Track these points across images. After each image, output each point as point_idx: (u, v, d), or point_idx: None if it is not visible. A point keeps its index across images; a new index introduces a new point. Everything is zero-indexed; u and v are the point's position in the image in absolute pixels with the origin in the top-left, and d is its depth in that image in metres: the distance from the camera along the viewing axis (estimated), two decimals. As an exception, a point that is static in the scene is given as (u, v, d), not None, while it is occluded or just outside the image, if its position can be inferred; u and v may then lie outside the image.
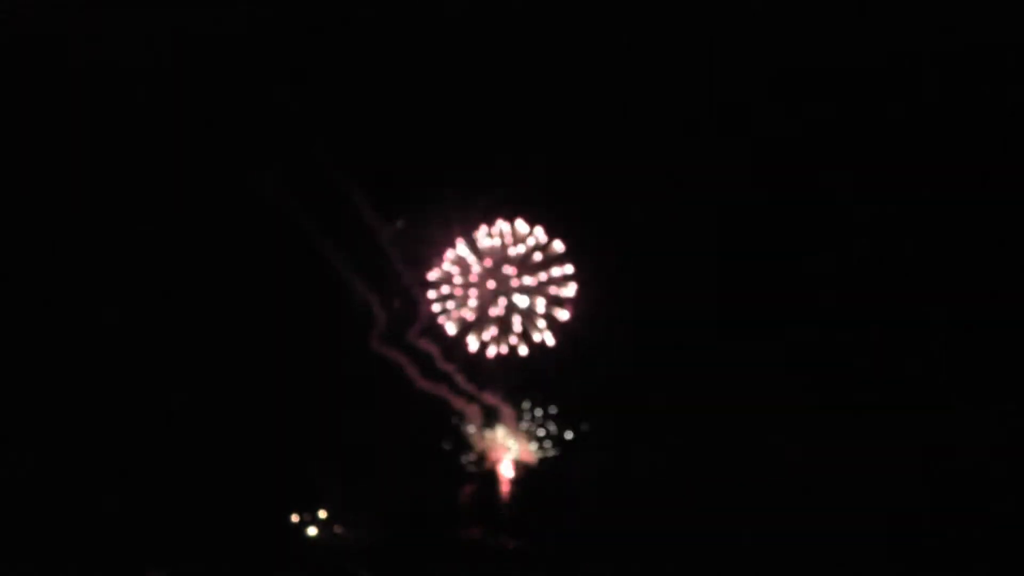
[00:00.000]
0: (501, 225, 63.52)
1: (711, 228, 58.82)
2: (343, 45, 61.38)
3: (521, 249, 63.09)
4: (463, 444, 65.34)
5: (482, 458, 64.49)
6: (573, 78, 60.45)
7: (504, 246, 63.88)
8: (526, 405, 65.16)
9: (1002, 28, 49.97)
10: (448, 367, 64.28)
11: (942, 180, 53.81)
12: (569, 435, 63.72)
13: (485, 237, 63.82)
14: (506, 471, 63.86)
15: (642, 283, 60.50)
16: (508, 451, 64.71)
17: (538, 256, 63.25)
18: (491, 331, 62.77)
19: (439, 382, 64.20)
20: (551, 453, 63.94)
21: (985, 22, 49.61)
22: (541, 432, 64.83)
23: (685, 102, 59.26)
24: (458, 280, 63.81)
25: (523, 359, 63.76)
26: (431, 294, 63.19)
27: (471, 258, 63.80)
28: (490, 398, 64.56)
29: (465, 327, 63.55)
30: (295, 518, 64.20)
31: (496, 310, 62.65)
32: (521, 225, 63.92)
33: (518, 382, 64.71)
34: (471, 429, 65.23)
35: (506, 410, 65.10)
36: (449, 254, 63.43)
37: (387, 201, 63.12)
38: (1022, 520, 46.06)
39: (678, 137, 59.13)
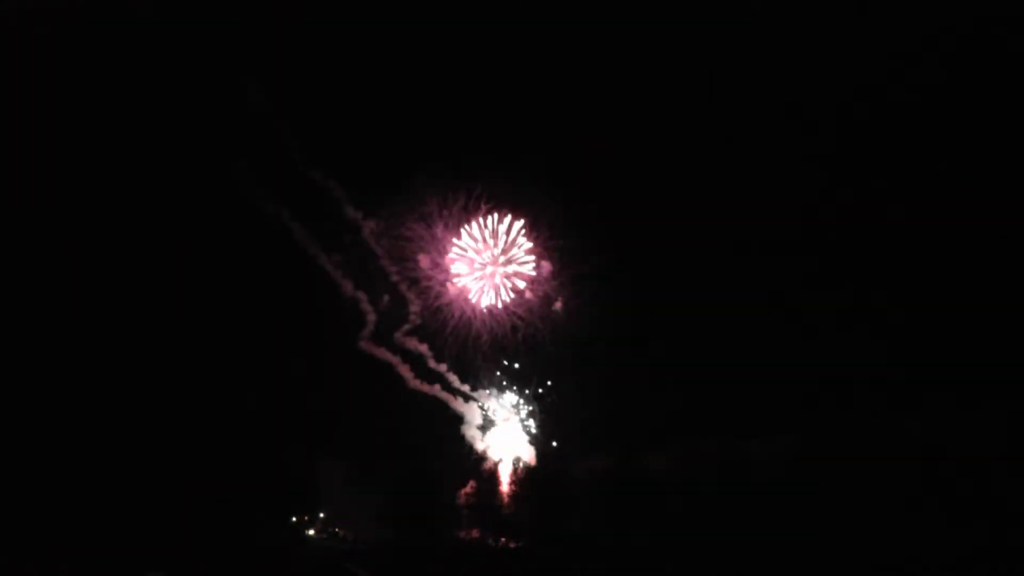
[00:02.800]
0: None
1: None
2: (327, 43, 61.39)
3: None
4: (462, 444, 65.29)
5: (482, 458, 64.49)
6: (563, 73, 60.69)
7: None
8: (523, 405, 65.23)
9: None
10: (440, 367, 64.18)
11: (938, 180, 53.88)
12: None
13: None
14: (506, 471, 63.81)
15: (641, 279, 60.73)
16: (507, 451, 64.65)
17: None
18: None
19: (433, 382, 64.11)
20: (550, 452, 63.92)
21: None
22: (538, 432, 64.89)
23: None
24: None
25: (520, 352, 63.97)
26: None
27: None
28: (486, 397, 64.47)
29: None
30: (295, 519, 64.35)
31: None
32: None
33: (513, 381, 64.73)
34: (470, 429, 65.18)
35: (504, 410, 65.02)
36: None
37: (370, 198, 63.22)
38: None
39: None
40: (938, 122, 53.14)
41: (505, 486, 63.11)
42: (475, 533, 60.66)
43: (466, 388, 64.37)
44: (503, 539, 60.02)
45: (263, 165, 60.38)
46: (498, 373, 64.51)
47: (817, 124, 57.77)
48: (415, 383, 63.43)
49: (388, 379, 63.00)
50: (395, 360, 63.32)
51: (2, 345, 55.72)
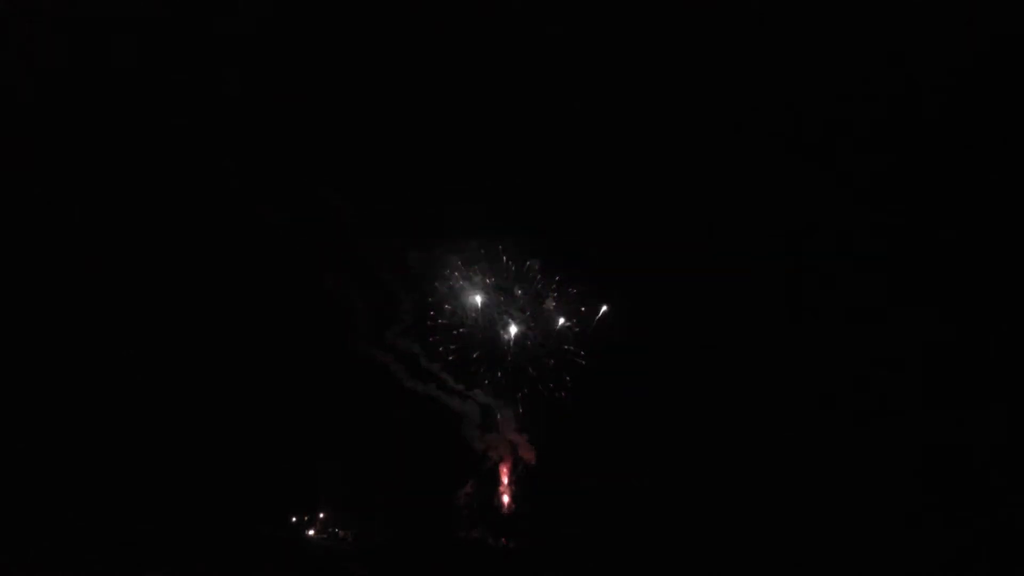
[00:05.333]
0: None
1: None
2: (324, 44, 61.25)
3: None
4: (461, 444, 65.26)
5: (482, 458, 64.45)
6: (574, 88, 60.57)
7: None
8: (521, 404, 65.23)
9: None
10: (433, 366, 64.16)
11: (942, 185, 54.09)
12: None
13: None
14: (506, 471, 63.86)
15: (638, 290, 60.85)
16: (507, 451, 64.69)
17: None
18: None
19: (427, 381, 64.10)
20: (550, 452, 63.95)
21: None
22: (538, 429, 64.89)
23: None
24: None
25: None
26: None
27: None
28: (482, 397, 64.44)
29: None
30: (294, 519, 64.25)
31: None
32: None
33: (508, 381, 64.68)
34: (469, 429, 65.15)
35: (503, 410, 65.01)
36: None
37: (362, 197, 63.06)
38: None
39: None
40: (938, 123, 53.44)
41: (505, 486, 63.20)
42: (475, 533, 60.77)
43: (460, 387, 64.43)
44: (503, 539, 60.14)
45: (255, 167, 60.36)
46: (497, 374, 64.63)
47: (812, 126, 58.01)
48: (410, 383, 63.51)
49: (385, 378, 63.09)
50: (388, 359, 63.40)
51: (1, 344, 55.80)
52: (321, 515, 63.23)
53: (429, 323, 63.52)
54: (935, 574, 45.12)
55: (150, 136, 59.05)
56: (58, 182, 58.44)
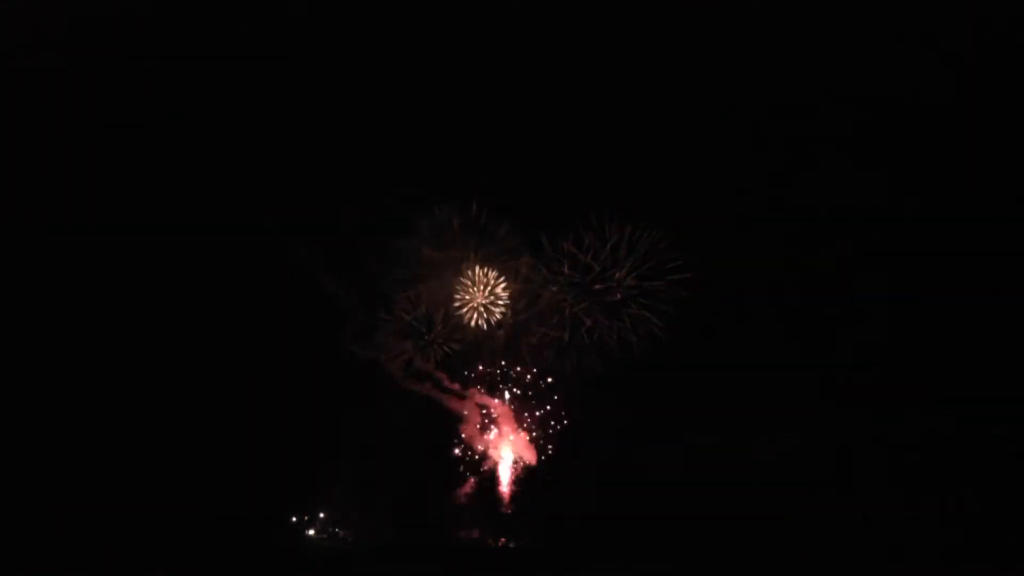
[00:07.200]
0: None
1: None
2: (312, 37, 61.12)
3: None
4: (461, 443, 65.23)
5: (482, 458, 64.44)
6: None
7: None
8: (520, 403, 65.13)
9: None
10: (428, 366, 64.02)
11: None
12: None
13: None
14: (506, 471, 63.83)
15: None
16: (507, 450, 64.67)
17: None
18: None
19: (423, 381, 63.98)
20: (550, 450, 63.92)
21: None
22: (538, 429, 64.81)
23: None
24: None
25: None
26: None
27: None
28: (479, 396, 64.40)
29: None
30: (294, 519, 64.15)
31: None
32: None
33: (503, 380, 64.52)
34: (469, 428, 65.12)
35: (503, 409, 64.95)
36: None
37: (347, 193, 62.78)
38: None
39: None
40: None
41: (505, 486, 63.17)
42: (475, 533, 60.76)
43: (456, 387, 64.34)
44: (503, 539, 60.14)
45: (250, 169, 60.24)
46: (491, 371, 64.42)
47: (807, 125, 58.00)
48: (406, 382, 63.44)
49: (384, 378, 63.04)
50: (384, 359, 63.38)
51: (2, 345, 55.93)
52: (321, 515, 63.14)
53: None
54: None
55: (145, 134, 59.35)
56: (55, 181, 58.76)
